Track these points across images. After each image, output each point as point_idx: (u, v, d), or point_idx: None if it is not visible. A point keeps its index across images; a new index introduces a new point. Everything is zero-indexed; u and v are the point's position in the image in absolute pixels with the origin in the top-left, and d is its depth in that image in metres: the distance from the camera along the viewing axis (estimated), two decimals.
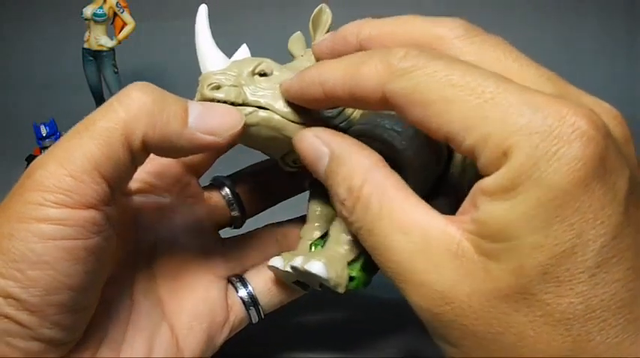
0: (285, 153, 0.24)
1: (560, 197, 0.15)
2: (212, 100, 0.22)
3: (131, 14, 0.65)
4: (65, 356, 0.21)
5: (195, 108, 0.21)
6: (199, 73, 0.24)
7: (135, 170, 0.22)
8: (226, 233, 0.30)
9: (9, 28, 0.92)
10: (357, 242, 0.23)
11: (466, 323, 0.16)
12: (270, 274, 0.27)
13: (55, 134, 0.54)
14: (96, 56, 0.66)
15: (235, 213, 0.29)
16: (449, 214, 0.18)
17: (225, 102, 0.22)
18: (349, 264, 0.23)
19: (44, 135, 0.53)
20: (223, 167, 0.30)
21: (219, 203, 0.29)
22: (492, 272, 0.16)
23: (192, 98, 0.23)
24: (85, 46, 0.66)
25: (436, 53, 0.18)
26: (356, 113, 0.24)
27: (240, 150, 0.28)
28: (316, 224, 0.26)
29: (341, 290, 0.23)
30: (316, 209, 0.27)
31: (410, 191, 0.19)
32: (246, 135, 0.23)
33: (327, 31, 0.25)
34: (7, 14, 0.92)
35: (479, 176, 0.17)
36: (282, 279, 0.27)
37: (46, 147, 0.53)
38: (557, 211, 0.15)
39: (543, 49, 0.81)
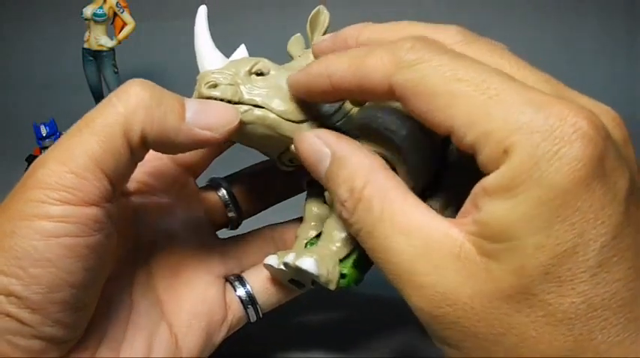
0: (282, 151, 0.25)
1: (562, 197, 0.15)
2: (209, 98, 0.23)
3: (131, 14, 0.65)
4: (65, 356, 0.21)
5: (192, 104, 0.22)
6: (199, 73, 0.24)
7: (135, 166, 0.22)
8: (223, 234, 0.30)
9: (9, 28, 0.92)
10: (349, 239, 0.23)
11: (467, 325, 0.16)
12: (268, 273, 0.27)
13: (55, 134, 0.53)
14: (96, 56, 0.66)
15: (232, 214, 0.30)
16: (442, 213, 0.18)
17: (221, 100, 0.23)
18: (341, 261, 0.23)
19: (44, 135, 0.53)
20: (220, 168, 0.30)
21: (216, 204, 0.29)
22: (494, 272, 0.16)
23: (191, 97, 0.23)
24: (85, 46, 0.66)
25: (442, 47, 0.18)
26: (354, 109, 0.25)
27: (237, 152, 0.29)
28: (312, 223, 0.27)
29: (332, 286, 0.23)
30: (313, 208, 0.27)
31: (411, 193, 0.19)
32: (243, 134, 0.23)
33: (325, 32, 0.25)
34: (7, 14, 0.92)
35: (474, 178, 0.17)
36: (278, 278, 0.27)
37: (46, 147, 0.53)
38: (559, 211, 0.15)
39: (543, 49, 0.81)
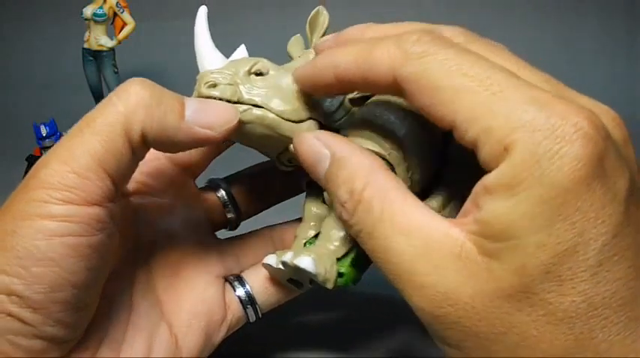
0: (281, 151, 0.25)
1: (563, 195, 0.15)
2: (209, 98, 0.23)
3: (131, 14, 0.65)
4: (66, 356, 0.21)
5: (192, 103, 0.22)
6: (199, 73, 0.24)
7: (136, 165, 0.22)
8: (222, 235, 0.30)
9: (9, 28, 0.92)
10: (347, 238, 0.23)
11: (469, 325, 0.16)
12: (267, 273, 0.27)
13: (55, 134, 0.53)
14: (96, 56, 0.66)
15: (230, 215, 0.30)
16: (442, 210, 0.18)
17: (221, 99, 0.23)
18: (339, 260, 0.23)
19: (44, 135, 0.53)
20: (219, 169, 0.31)
21: (215, 204, 0.29)
22: (495, 272, 0.16)
23: (191, 97, 0.23)
24: (85, 46, 0.66)
25: (448, 41, 0.18)
26: (355, 108, 0.25)
27: (236, 152, 0.29)
28: (311, 223, 0.27)
29: (330, 285, 0.23)
30: (312, 208, 0.27)
31: (410, 194, 0.19)
32: (242, 133, 0.23)
33: (324, 33, 0.25)
34: (7, 14, 0.92)
35: (474, 174, 0.17)
36: (277, 278, 0.27)
37: (46, 147, 0.53)
38: (560, 210, 0.15)
39: (543, 49, 0.81)
